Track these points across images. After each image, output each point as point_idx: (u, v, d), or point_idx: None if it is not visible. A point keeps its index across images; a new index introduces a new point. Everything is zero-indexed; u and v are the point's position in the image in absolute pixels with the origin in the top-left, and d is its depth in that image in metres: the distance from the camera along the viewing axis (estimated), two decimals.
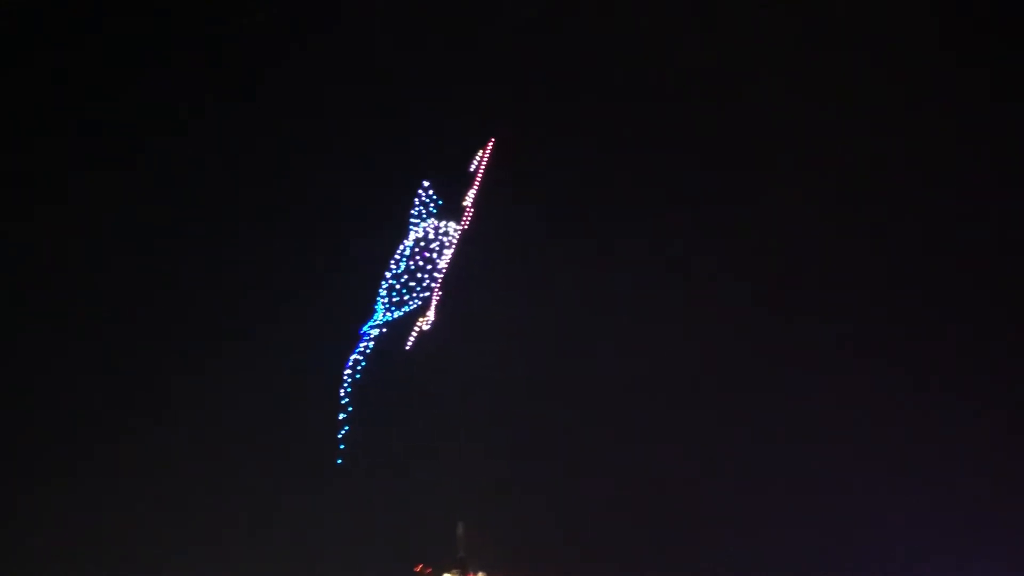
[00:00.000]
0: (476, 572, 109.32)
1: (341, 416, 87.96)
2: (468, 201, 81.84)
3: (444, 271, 78.77)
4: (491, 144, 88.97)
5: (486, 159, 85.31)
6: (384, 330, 79.53)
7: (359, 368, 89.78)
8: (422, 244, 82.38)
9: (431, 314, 77.78)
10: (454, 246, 79.92)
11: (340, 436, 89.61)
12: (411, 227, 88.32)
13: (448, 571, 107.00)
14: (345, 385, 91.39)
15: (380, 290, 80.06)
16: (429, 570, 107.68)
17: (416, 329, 78.88)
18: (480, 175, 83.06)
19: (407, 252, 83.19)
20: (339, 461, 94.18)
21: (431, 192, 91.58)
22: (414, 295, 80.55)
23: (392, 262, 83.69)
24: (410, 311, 79.16)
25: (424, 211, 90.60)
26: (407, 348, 78.72)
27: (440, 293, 77.15)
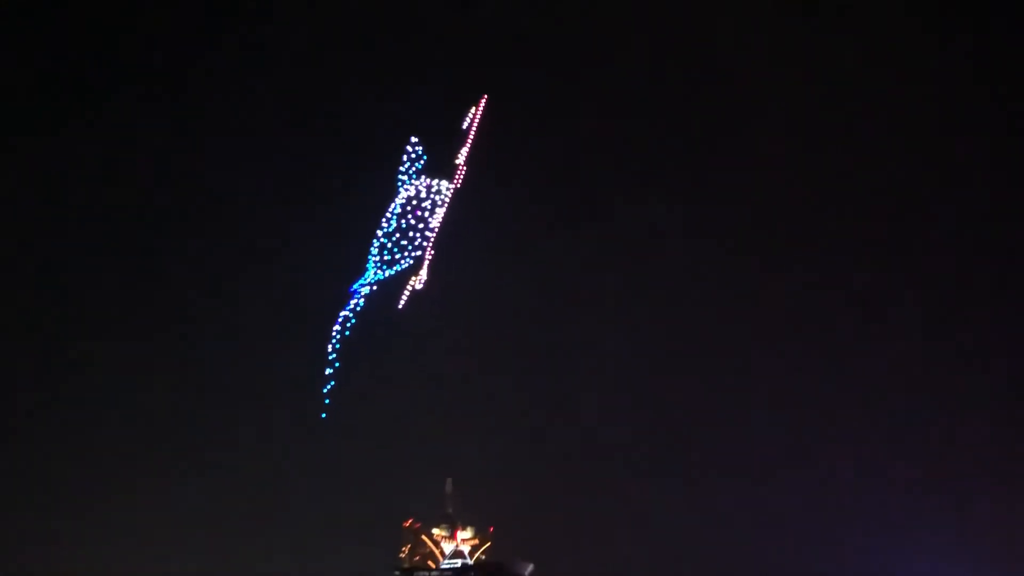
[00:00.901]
0: (464, 527, 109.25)
1: (328, 371, 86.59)
2: (461, 159, 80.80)
3: (437, 230, 77.88)
4: (483, 101, 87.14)
5: (478, 117, 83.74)
6: (375, 288, 78.69)
7: (349, 325, 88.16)
8: (414, 203, 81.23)
9: (424, 273, 77.15)
10: (447, 204, 78.99)
11: (326, 391, 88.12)
12: (399, 184, 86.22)
13: (437, 527, 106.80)
14: (334, 341, 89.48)
15: (371, 248, 79.07)
16: (418, 525, 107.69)
17: (409, 288, 78.16)
18: (472, 133, 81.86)
19: (398, 210, 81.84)
20: (323, 416, 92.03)
21: (420, 149, 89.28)
22: (406, 254, 79.70)
23: (383, 220, 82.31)
24: (402, 270, 78.38)
25: (412, 168, 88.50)
26: (400, 307, 77.72)
27: (433, 252, 76.46)
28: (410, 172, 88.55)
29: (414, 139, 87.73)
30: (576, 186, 79.93)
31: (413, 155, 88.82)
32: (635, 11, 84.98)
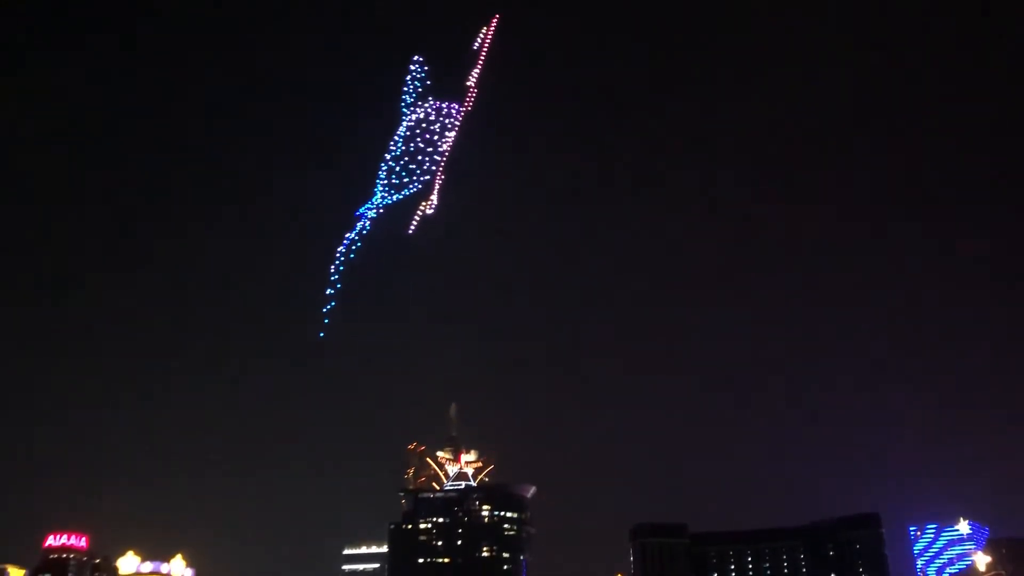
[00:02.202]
0: (468, 450, 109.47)
1: (329, 292, 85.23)
2: (472, 81, 77.97)
3: (447, 154, 75.80)
4: (495, 21, 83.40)
5: (490, 37, 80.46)
6: (382, 212, 77.13)
7: (354, 248, 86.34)
8: (423, 126, 78.94)
9: (434, 198, 75.60)
10: (457, 128, 76.71)
11: (325, 311, 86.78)
12: (404, 105, 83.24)
13: (441, 449, 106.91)
14: (337, 263, 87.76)
15: (379, 172, 77.24)
16: (422, 448, 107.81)
17: (419, 213, 76.63)
18: (484, 54, 78.76)
19: (405, 134, 79.45)
20: (321, 335, 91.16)
21: (424, 68, 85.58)
22: (414, 178, 77.97)
23: (391, 143, 79.83)
24: (411, 194, 76.65)
25: (417, 88, 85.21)
26: (410, 232, 76.36)
27: (443, 177, 74.68)
28: (415, 93, 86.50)
29: (418, 58, 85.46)
30: (589, 111, 78.55)
31: (418, 74, 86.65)
32: None
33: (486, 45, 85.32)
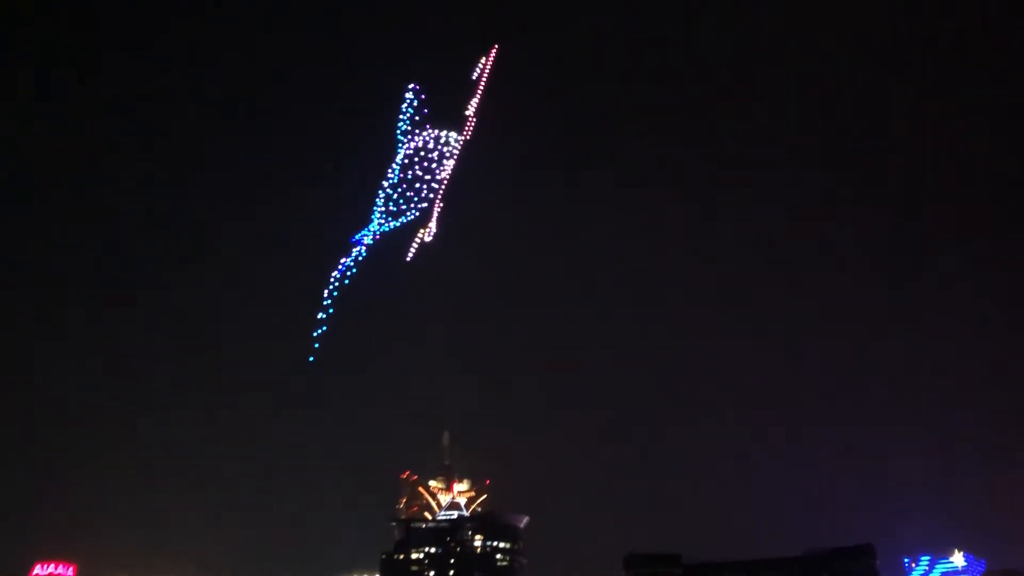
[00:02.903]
0: (461, 480, 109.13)
1: (320, 316, 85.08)
2: (471, 110, 78.72)
3: (446, 182, 76.32)
4: (494, 52, 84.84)
5: (489, 67, 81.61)
6: (379, 238, 77.32)
7: (349, 274, 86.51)
8: (421, 154, 79.49)
9: (433, 225, 75.77)
10: (456, 156, 77.31)
11: (316, 335, 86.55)
12: (400, 132, 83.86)
13: (433, 479, 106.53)
14: (331, 287, 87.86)
15: (376, 199, 77.58)
16: (415, 477, 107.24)
17: (417, 240, 76.73)
18: (483, 83, 79.76)
19: (403, 161, 79.98)
20: (311, 359, 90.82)
21: (421, 96, 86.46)
22: (411, 205, 78.27)
23: (388, 171, 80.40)
24: (408, 221, 76.88)
25: (414, 115, 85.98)
26: (408, 259, 76.52)
27: (442, 204, 75.03)
28: (413, 120, 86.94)
29: (414, 86, 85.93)
30: (585, 137, 79.40)
31: (414, 102, 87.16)
32: None
33: (485, 75, 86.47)
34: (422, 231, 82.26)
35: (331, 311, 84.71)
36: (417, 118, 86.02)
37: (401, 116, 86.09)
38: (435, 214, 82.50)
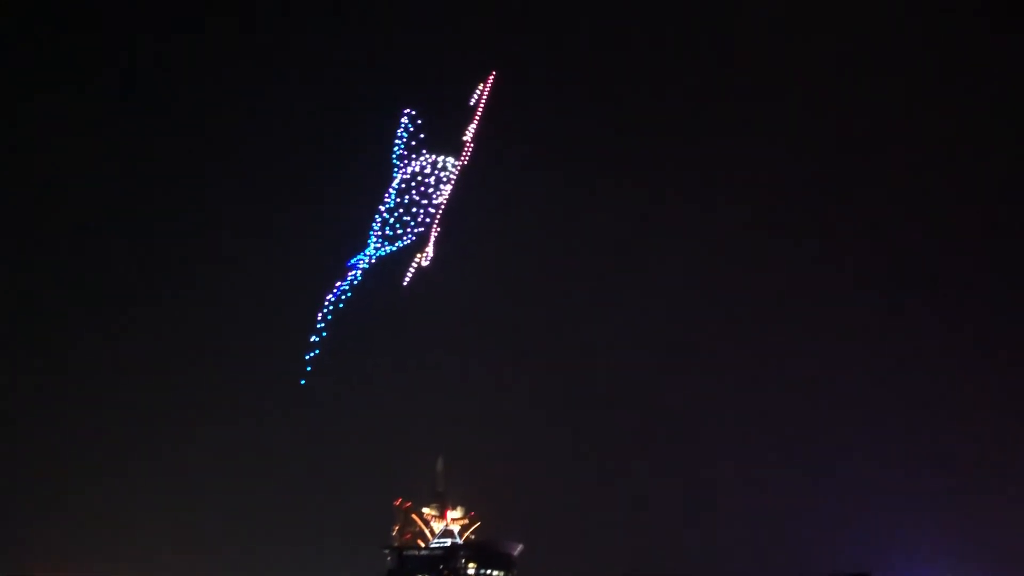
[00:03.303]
0: (455, 507, 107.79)
1: (313, 339, 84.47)
2: (468, 136, 78.75)
3: (443, 207, 76.23)
4: (492, 78, 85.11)
5: (486, 93, 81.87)
6: (374, 262, 77.05)
7: (344, 298, 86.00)
8: (418, 178, 79.35)
9: (430, 250, 75.51)
10: (453, 181, 77.20)
11: (308, 357, 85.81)
12: (394, 157, 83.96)
13: (427, 506, 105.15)
14: (325, 310, 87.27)
15: (373, 223, 77.31)
16: (408, 504, 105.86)
17: (414, 265, 76.38)
18: (480, 109, 79.90)
19: (400, 185, 79.90)
20: (303, 382, 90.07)
21: (417, 121, 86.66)
22: (408, 230, 77.95)
23: (385, 195, 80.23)
24: (405, 246, 76.59)
25: (408, 141, 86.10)
26: (404, 283, 76.28)
27: (439, 229, 74.87)
28: (406, 144, 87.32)
29: (409, 111, 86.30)
30: (583, 167, 79.80)
31: (409, 127, 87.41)
32: None
33: (483, 101, 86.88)
34: (419, 255, 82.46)
35: (324, 335, 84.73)
36: (413, 143, 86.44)
37: (396, 141, 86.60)
38: (432, 238, 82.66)
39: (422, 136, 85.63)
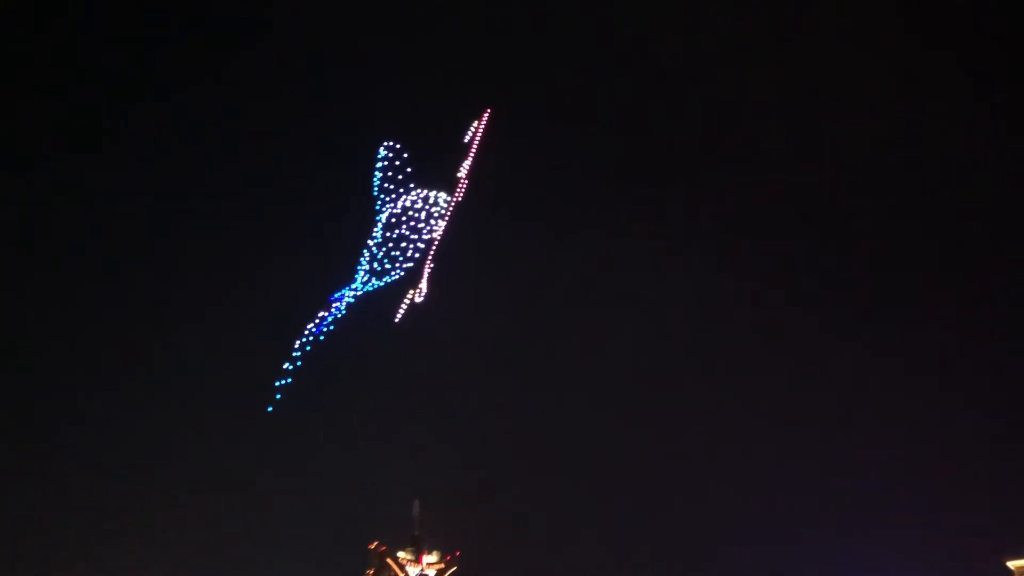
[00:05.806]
0: (430, 551, 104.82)
1: (287, 366, 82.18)
2: (462, 172, 78.16)
3: (437, 243, 75.05)
4: (486, 116, 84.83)
5: (481, 130, 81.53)
6: (359, 295, 75.38)
7: (326, 329, 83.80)
8: (409, 213, 78.24)
9: (424, 286, 74.16)
10: (447, 217, 76.26)
11: (279, 384, 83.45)
12: (379, 190, 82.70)
13: (403, 549, 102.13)
14: (303, 339, 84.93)
15: (361, 258, 75.86)
16: (383, 548, 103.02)
17: (407, 300, 74.95)
18: (475, 146, 79.53)
19: (389, 220, 78.66)
20: (269, 408, 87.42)
21: (398, 152, 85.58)
22: (397, 264, 76.57)
23: (373, 229, 78.91)
24: (395, 280, 75.14)
25: (389, 172, 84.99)
26: (396, 319, 74.63)
27: (432, 265, 73.74)
28: (391, 178, 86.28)
29: (390, 143, 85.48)
30: (581, 202, 79.53)
31: (391, 159, 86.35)
32: (641, 26, 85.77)
33: (476, 138, 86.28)
34: (412, 292, 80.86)
35: (299, 363, 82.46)
36: (400, 176, 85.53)
37: (376, 173, 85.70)
38: (426, 275, 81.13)
39: (408, 170, 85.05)
